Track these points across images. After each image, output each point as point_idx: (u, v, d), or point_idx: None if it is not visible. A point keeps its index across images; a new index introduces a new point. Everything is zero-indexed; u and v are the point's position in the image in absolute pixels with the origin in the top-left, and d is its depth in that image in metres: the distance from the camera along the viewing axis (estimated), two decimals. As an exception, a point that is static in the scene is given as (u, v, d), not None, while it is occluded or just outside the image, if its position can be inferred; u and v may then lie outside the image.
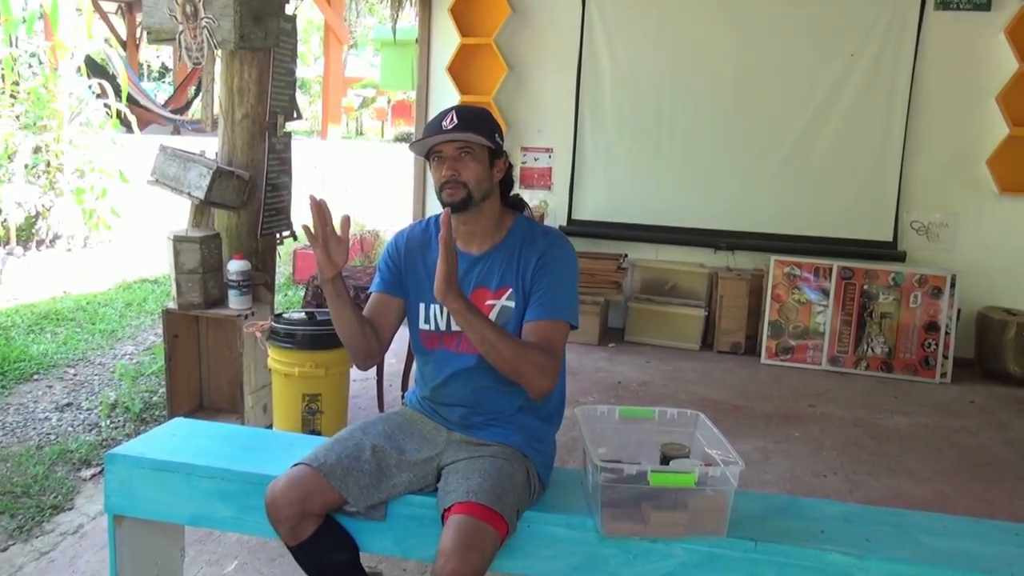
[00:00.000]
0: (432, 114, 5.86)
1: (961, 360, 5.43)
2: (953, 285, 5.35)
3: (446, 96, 6.03)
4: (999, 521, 2.30)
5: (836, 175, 5.73)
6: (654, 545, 1.96)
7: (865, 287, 5.46)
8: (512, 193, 2.24)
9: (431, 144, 2.06)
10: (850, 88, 5.63)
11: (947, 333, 5.34)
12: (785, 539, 1.96)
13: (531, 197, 6.18)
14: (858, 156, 5.68)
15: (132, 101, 11.69)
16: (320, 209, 2.00)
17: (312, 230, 2.01)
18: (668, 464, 2.02)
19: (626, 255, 6.00)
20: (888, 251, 5.66)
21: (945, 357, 5.33)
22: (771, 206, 5.85)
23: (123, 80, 9.14)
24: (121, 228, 8.23)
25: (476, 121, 2.06)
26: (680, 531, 1.94)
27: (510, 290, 2.10)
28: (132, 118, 8.85)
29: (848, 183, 5.72)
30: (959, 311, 5.41)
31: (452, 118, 2.04)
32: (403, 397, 2.37)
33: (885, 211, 5.68)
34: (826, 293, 5.51)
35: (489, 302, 2.10)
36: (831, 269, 5.51)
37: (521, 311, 2.08)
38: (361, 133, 27.36)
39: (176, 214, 4.51)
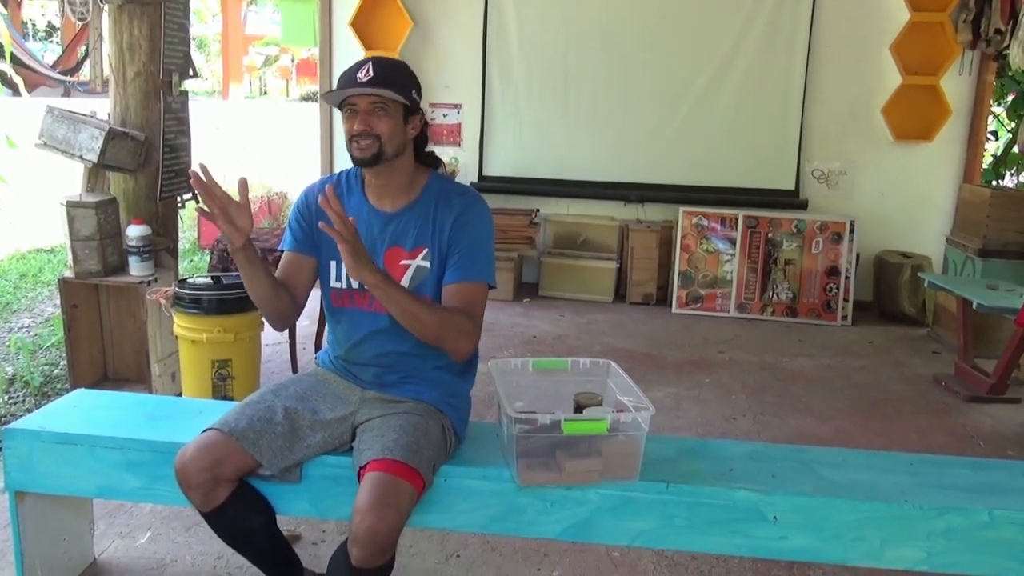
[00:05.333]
0: (337, 71, 5.76)
1: (860, 303, 5.66)
2: (852, 231, 5.55)
3: (350, 52, 5.88)
4: (894, 452, 2.42)
5: (740, 127, 5.84)
6: (570, 492, 2.00)
7: (770, 235, 5.61)
8: (427, 150, 2.19)
9: (344, 96, 2.00)
10: (752, 41, 5.73)
11: (847, 277, 5.55)
12: (695, 479, 2.02)
13: (441, 154, 6.11)
14: (761, 108, 5.81)
15: (17, 62, 11.06)
16: (203, 183, 1.91)
17: (207, 209, 1.94)
18: (581, 413, 2.05)
19: (538, 210, 6.02)
20: (791, 199, 5.83)
21: (846, 300, 5.55)
22: (678, 158, 5.94)
23: (5, 39, 8.62)
24: (10, 196, 7.82)
25: (392, 75, 2.00)
26: (594, 477, 1.98)
27: (425, 250, 2.07)
28: (18, 80, 8.38)
29: (752, 134, 5.84)
30: (858, 256, 5.63)
31: (368, 70, 1.97)
32: (316, 358, 2.33)
33: (787, 161, 5.83)
34: (733, 242, 5.64)
35: (404, 262, 2.07)
36: (737, 219, 5.64)
37: (436, 271, 2.06)
38: (265, 92, 26.64)
39: (70, 179, 4.31)
